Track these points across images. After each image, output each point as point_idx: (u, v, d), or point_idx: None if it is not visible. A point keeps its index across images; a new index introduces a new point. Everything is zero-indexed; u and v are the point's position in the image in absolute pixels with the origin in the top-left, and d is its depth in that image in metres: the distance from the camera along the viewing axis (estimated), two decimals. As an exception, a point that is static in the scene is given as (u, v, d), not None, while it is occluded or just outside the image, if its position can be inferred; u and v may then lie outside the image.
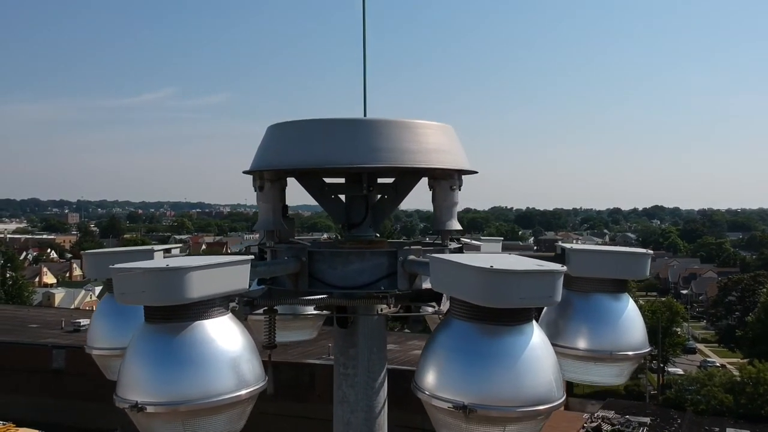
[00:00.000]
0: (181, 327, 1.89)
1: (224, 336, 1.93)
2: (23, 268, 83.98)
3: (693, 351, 64.70)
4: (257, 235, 2.81)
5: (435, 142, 2.44)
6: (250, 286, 2.20)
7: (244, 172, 2.58)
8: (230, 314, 2.01)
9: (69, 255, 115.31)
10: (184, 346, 1.87)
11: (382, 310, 2.54)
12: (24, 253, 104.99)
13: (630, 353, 2.46)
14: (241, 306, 2.25)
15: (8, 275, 69.88)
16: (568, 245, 2.56)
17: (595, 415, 34.40)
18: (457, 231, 2.62)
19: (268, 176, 2.54)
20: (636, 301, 2.64)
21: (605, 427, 32.62)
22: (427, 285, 2.43)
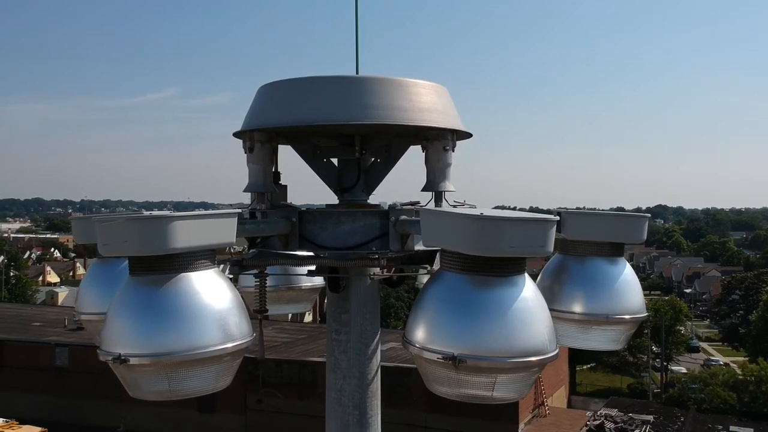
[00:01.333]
0: (165, 279, 1.84)
1: (210, 289, 1.88)
2: (27, 267, 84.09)
3: (696, 349, 64.56)
4: None
5: (428, 101, 2.39)
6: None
7: (234, 134, 2.53)
8: (217, 268, 1.96)
9: (72, 254, 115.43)
10: (169, 298, 1.82)
11: (374, 274, 2.50)
12: (28, 253, 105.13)
13: (626, 317, 2.42)
14: (230, 267, 2.21)
15: (12, 274, 70.07)
16: (563, 209, 2.52)
17: (598, 413, 34.28)
18: (451, 192, 2.57)
19: (258, 137, 2.48)
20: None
21: (608, 424, 32.49)
22: (419, 246, 2.39)
